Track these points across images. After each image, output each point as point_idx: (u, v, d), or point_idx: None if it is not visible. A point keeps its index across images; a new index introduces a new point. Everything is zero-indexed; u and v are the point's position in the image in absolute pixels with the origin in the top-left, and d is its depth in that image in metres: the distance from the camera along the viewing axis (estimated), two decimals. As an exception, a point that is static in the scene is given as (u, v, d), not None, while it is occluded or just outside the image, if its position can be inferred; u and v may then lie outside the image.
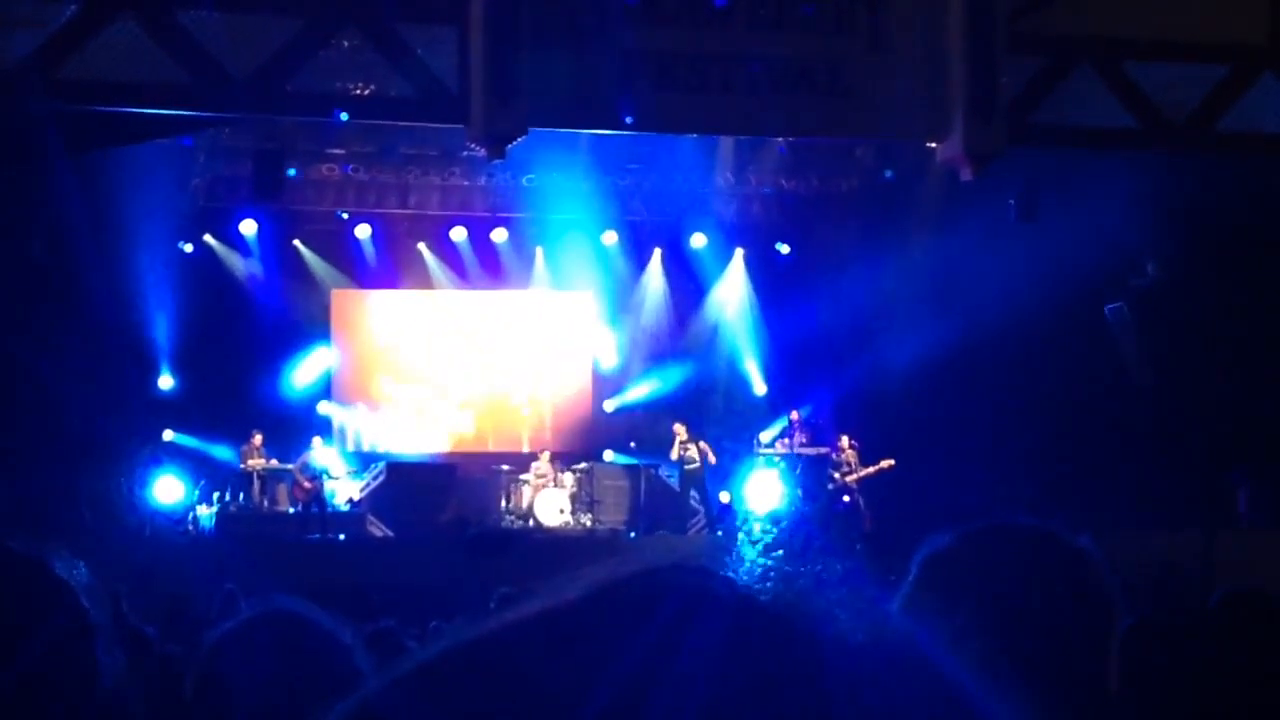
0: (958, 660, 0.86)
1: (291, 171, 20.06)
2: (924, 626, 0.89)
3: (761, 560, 17.69)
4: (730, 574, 0.87)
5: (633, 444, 22.10)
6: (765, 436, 21.57)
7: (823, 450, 20.43)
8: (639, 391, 23.21)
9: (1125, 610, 2.20)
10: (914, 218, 19.92)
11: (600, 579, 0.85)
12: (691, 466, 20.24)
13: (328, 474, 19.70)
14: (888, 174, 21.02)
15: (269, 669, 2.19)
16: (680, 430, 20.36)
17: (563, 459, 21.10)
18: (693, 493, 20.58)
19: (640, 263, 23.49)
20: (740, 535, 19.18)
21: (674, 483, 20.81)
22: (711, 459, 20.27)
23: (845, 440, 19.99)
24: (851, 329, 20.65)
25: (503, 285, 23.32)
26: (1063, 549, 2.13)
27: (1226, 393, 16.72)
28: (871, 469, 19.57)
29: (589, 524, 19.98)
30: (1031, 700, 0.87)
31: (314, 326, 22.62)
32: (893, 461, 19.46)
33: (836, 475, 19.78)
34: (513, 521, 20.01)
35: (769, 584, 0.90)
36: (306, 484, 19.23)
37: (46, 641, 1.64)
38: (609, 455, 22.04)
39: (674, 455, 20.31)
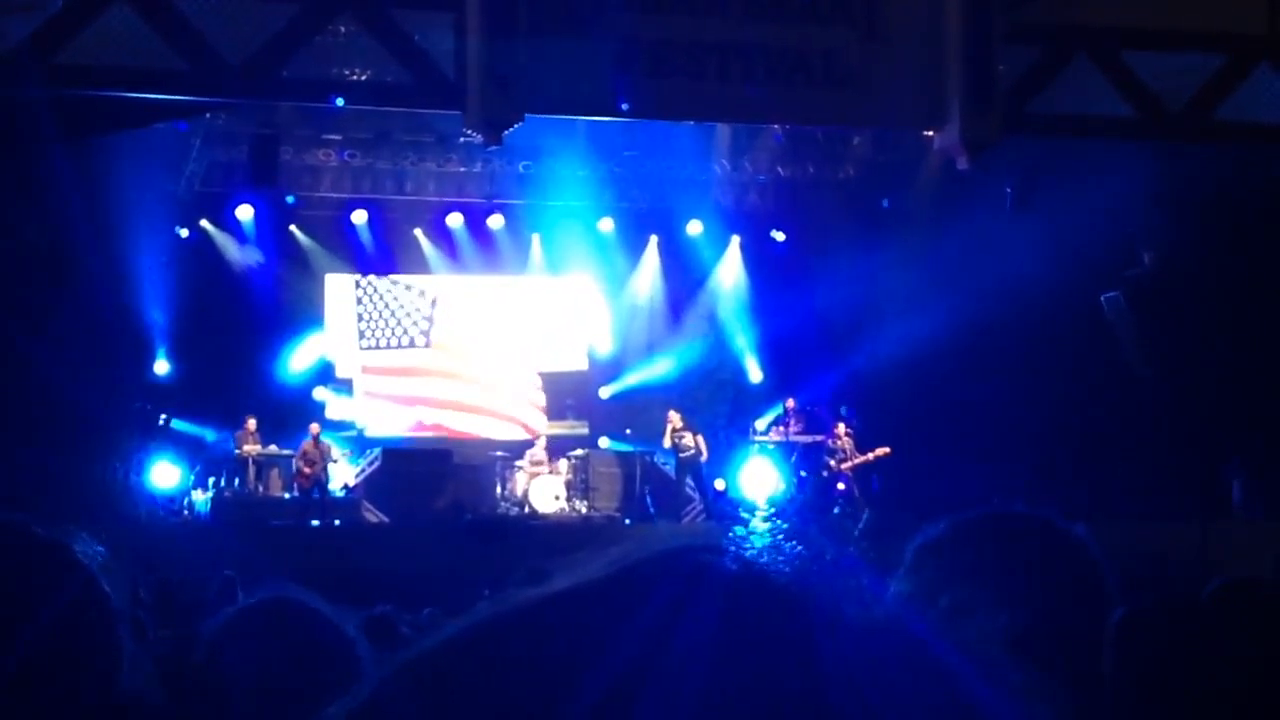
0: (951, 646, 0.87)
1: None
2: (918, 613, 0.89)
3: (770, 527, 17.74)
4: (737, 550, 0.87)
5: (628, 430, 22.09)
6: (761, 424, 21.58)
7: (818, 438, 20.43)
8: (635, 378, 23.20)
9: (1119, 600, 2.20)
10: (910, 206, 19.93)
11: (617, 560, 0.85)
12: (687, 454, 20.19)
13: (327, 459, 19.70)
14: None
15: (270, 657, 2.18)
16: (674, 417, 20.23)
17: (558, 446, 21.08)
18: (688, 480, 20.56)
19: (637, 249, 23.47)
20: (745, 514, 19.21)
21: (669, 470, 20.78)
22: (704, 453, 20.18)
23: (841, 428, 19.98)
24: (847, 317, 20.65)
25: (499, 271, 23.29)
26: (1058, 537, 2.13)
27: (1222, 383, 16.73)
28: (867, 456, 19.57)
29: (584, 511, 19.97)
30: (1025, 687, 0.87)
31: (310, 312, 22.60)
32: (888, 449, 19.46)
33: (832, 463, 19.78)
34: (508, 508, 19.99)
35: (789, 548, 0.90)
36: (307, 470, 19.22)
37: (69, 623, 1.64)
38: (604, 442, 22.00)
39: (666, 442, 20.21)
